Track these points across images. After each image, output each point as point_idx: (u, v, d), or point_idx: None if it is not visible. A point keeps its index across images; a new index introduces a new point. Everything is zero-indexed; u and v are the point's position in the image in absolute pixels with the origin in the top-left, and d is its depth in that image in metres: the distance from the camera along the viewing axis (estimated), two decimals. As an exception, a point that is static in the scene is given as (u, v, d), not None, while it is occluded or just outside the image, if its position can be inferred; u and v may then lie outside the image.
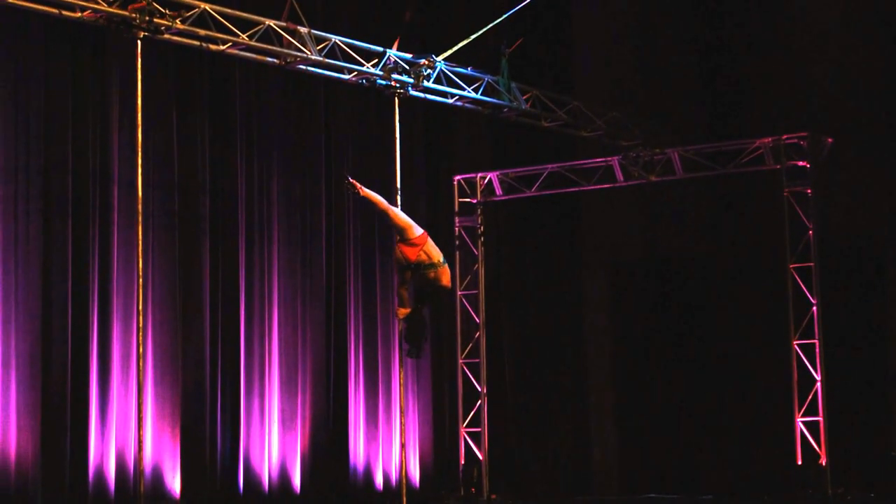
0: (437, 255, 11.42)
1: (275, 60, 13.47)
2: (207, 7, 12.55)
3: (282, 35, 13.19)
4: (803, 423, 15.85)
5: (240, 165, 15.86)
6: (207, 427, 15.09)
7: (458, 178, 18.25)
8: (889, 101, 17.21)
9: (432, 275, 11.33)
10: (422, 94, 14.68)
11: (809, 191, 16.13)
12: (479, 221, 18.24)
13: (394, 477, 17.08)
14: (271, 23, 13.09)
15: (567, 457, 18.97)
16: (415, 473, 17.64)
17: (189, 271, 15.15)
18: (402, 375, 14.58)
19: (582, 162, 17.77)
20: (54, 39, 13.99)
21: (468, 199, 18.28)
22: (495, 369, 18.46)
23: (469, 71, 15.03)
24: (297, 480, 16.01)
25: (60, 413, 13.73)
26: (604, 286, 19.45)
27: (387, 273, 17.25)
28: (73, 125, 14.16)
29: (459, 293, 18.10)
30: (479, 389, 17.90)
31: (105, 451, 14.07)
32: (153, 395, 14.64)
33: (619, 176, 17.45)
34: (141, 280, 12.25)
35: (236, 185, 15.79)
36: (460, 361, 18.03)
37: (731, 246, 18.33)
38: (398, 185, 14.02)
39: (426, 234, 11.51)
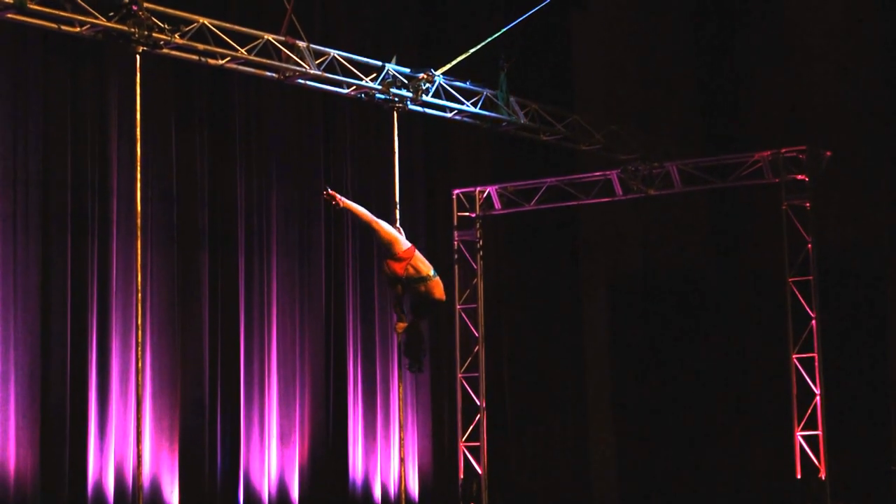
0: (427, 268, 11.32)
1: (273, 75, 13.47)
2: (206, 21, 12.56)
3: (280, 49, 13.19)
4: (803, 436, 15.83)
5: (239, 179, 15.87)
6: (206, 441, 15.08)
7: (456, 191, 18.25)
8: (887, 114, 17.24)
9: (423, 288, 11.23)
10: (420, 108, 14.68)
11: (808, 204, 16.12)
12: (478, 235, 18.24)
13: (393, 491, 17.06)
14: (270, 37, 13.10)
15: (566, 471, 18.94)
16: (414, 487, 17.61)
17: (188, 284, 15.15)
18: (401, 389, 14.55)
19: (581, 176, 17.78)
20: (53, 54, 14.01)
21: (467, 213, 18.28)
22: (494, 383, 18.45)
23: (468, 85, 15.04)
24: (295, 494, 15.99)
25: (59, 427, 13.72)
26: (603, 300, 19.46)
27: (385, 286, 17.23)
28: (72, 139, 14.18)
29: (458, 307, 18.10)
30: (479, 403, 17.88)
31: (104, 465, 14.06)
32: (152, 409, 14.63)
33: (618, 190, 17.45)
34: (140, 293, 12.23)
35: (235, 199, 15.79)
36: (459, 375, 18.01)
37: (730, 259, 18.36)
38: (397, 199, 14.01)
39: (413, 247, 11.42)
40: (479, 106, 15.17)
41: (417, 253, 11.42)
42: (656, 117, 18.37)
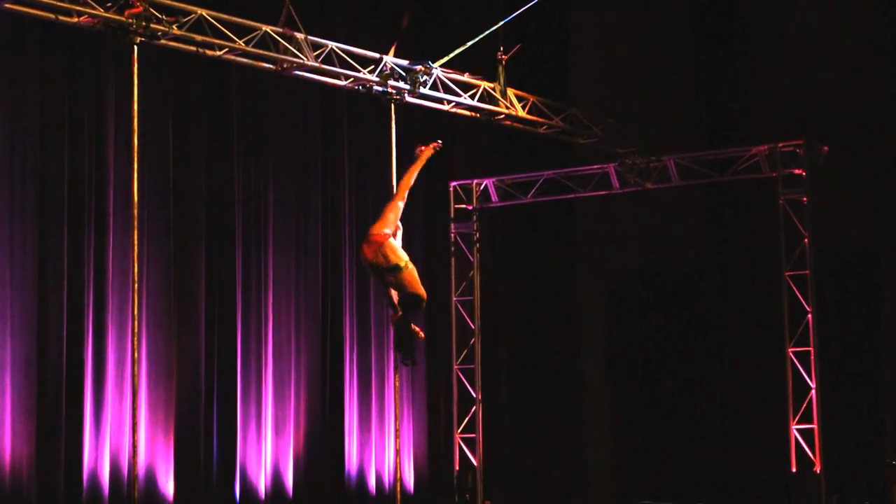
0: (398, 258, 10.72)
1: (271, 66, 13.48)
2: (204, 13, 12.55)
3: (278, 41, 13.20)
4: (798, 430, 15.85)
5: (236, 171, 15.87)
6: (202, 431, 15.09)
7: (454, 184, 18.26)
8: (885, 109, 17.25)
9: (392, 279, 10.68)
10: (418, 101, 14.69)
11: (805, 198, 16.13)
12: (475, 228, 18.25)
13: (388, 482, 17.08)
14: (268, 29, 13.10)
15: (561, 463, 18.97)
16: (409, 479, 17.64)
17: (184, 277, 15.16)
18: (397, 381, 14.57)
19: (578, 169, 17.78)
20: (51, 44, 14.00)
21: (464, 206, 18.29)
22: (490, 375, 18.47)
23: (466, 77, 15.04)
24: (291, 485, 16.00)
25: (55, 417, 13.73)
26: (599, 293, 19.47)
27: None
28: (69, 130, 14.17)
29: (455, 299, 18.12)
30: (474, 395, 17.90)
31: (99, 455, 14.07)
32: (148, 399, 14.64)
33: (616, 183, 17.45)
34: (136, 285, 12.25)
35: (232, 191, 15.79)
36: (455, 367, 18.03)
37: (727, 253, 18.36)
38: (394, 191, 14.00)
39: (389, 235, 10.82)
40: (476, 98, 15.18)
41: (392, 241, 10.81)
42: (654, 111, 18.35)
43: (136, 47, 12.09)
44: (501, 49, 15.02)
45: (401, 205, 11.24)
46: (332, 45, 13.74)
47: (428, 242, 18.31)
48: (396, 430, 14.57)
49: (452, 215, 18.25)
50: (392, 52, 14.16)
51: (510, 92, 15.46)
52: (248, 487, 15.51)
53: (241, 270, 15.77)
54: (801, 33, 17.86)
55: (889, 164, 17.21)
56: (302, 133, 16.80)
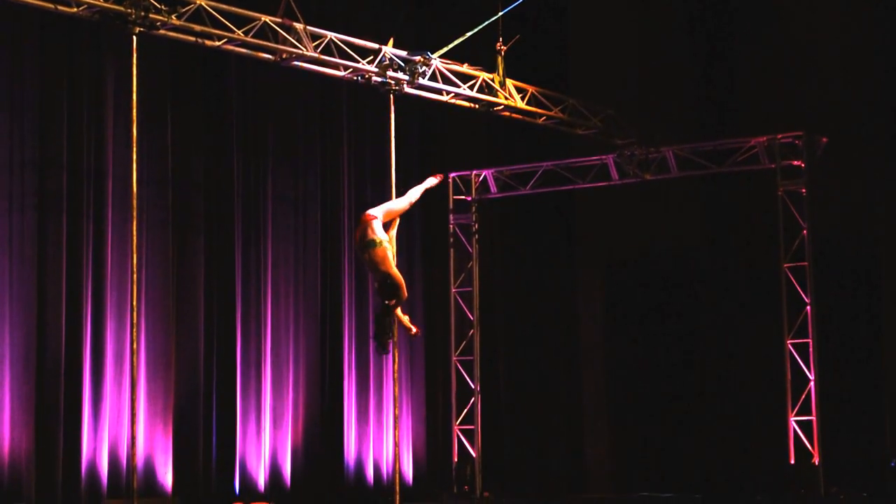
0: (374, 235, 10.75)
1: (270, 57, 13.45)
2: (203, 3, 12.52)
3: (277, 31, 13.17)
4: (796, 422, 15.86)
5: (235, 162, 15.84)
6: (201, 422, 15.09)
7: (452, 175, 18.22)
8: (884, 100, 17.23)
9: (366, 257, 10.73)
10: (417, 92, 14.67)
11: (804, 190, 16.13)
12: (474, 219, 18.23)
13: (386, 473, 17.07)
14: (267, 19, 13.07)
15: (560, 455, 18.97)
16: (408, 470, 17.63)
17: (183, 268, 15.14)
18: (396, 373, 14.56)
19: (577, 160, 17.76)
20: (49, 35, 13.97)
21: (463, 197, 18.28)
22: (489, 367, 18.46)
23: (465, 68, 15.01)
24: (289, 476, 15.99)
25: (54, 408, 13.72)
26: (598, 284, 19.46)
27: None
28: (68, 121, 14.15)
29: (453, 290, 18.11)
30: (473, 387, 17.89)
31: (98, 446, 14.07)
32: (146, 391, 14.64)
33: (614, 174, 17.44)
34: (135, 276, 12.24)
35: (231, 182, 15.77)
36: (454, 359, 18.02)
37: (726, 245, 18.35)
38: (393, 183, 14.00)
39: (376, 217, 10.88)
40: (475, 89, 15.15)
41: (375, 222, 10.83)
42: (653, 102, 18.32)
43: (134, 37, 12.07)
44: (500, 40, 14.99)
45: (401, 206, 11.41)
46: (331, 35, 13.72)
47: (426, 233, 18.29)
48: (395, 419, 14.55)
49: (451, 206, 18.23)
50: (391, 42, 14.13)
51: (509, 82, 15.44)
52: (246, 479, 15.50)
53: (241, 262, 15.75)
54: (800, 25, 17.83)
55: (888, 155, 17.19)
56: (301, 124, 16.77)
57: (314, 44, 13.52)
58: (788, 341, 16.02)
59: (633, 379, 18.87)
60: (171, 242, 15.02)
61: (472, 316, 18.05)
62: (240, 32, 12.89)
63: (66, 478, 13.78)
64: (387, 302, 10.79)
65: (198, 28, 12.58)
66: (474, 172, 18.22)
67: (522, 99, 15.76)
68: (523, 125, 16.75)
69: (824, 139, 16.25)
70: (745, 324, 17.87)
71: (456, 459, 17.82)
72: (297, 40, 13.30)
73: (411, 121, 17.87)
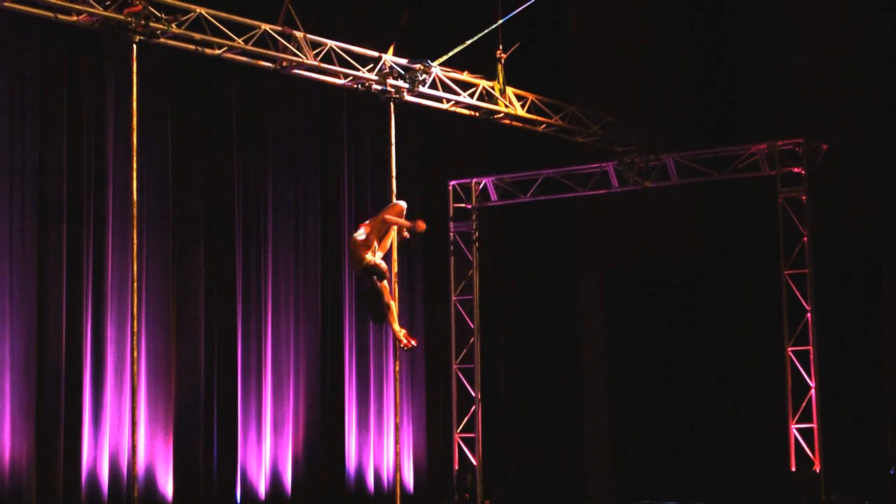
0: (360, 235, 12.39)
1: (270, 65, 13.47)
2: (203, 11, 12.54)
3: (277, 39, 13.19)
4: (797, 429, 15.85)
5: (235, 169, 15.86)
6: (201, 430, 15.08)
7: (453, 183, 18.24)
8: (884, 107, 17.24)
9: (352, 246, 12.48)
10: (417, 99, 14.68)
11: (804, 197, 16.13)
12: (474, 227, 18.23)
13: (387, 481, 17.07)
14: (267, 27, 13.09)
15: (561, 463, 18.96)
16: (409, 478, 17.62)
17: (184, 275, 15.15)
18: (397, 380, 14.56)
19: (577, 168, 17.77)
20: (50, 43, 14.00)
21: (463, 205, 18.28)
22: (490, 375, 18.45)
23: (465, 76, 15.03)
24: (290, 484, 15.99)
25: (54, 416, 13.72)
26: (598, 292, 19.47)
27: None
28: (69, 128, 14.17)
29: (454, 298, 18.11)
30: (474, 395, 17.88)
31: (98, 454, 14.06)
32: (147, 399, 14.63)
33: (615, 182, 17.45)
34: (135, 283, 12.25)
35: (232, 189, 15.78)
36: (455, 367, 18.02)
37: (726, 252, 18.36)
38: (394, 190, 14.01)
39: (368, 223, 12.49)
40: (475, 97, 15.17)
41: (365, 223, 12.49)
42: (653, 110, 18.34)
43: (135, 46, 12.09)
44: (501, 48, 15.00)
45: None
46: (331, 43, 13.73)
47: (427, 241, 18.29)
48: (396, 427, 14.55)
49: (451, 214, 18.24)
50: (391, 50, 14.14)
51: (509, 90, 15.44)
52: (247, 487, 15.49)
53: (241, 269, 15.76)
54: (800, 32, 17.85)
55: (888, 162, 17.20)
56: (301, 132, 16.78)
57: (314, 52, 13.54)
58: (789, 348, 16.01)
59: (633, 387, 18.87)
60: (172, 249, 15.02)
61: (473, 324, 18.05)
62: (240, 41, 12.91)
63: (67, 486, 13.77)
64: (375, 278, 12.20)
65: (198, 36, 12.60)
66: (474, 180, 18.23)
67: (523, 107, 15.77)
68: (523, 133, 16.76)
69: (824, 146, 16.26)
70: (745, 331, 17.87)
71: (457, 467, 17.81)
72: (297, 48, 13.31)
73: (411, 128, 17.88)
